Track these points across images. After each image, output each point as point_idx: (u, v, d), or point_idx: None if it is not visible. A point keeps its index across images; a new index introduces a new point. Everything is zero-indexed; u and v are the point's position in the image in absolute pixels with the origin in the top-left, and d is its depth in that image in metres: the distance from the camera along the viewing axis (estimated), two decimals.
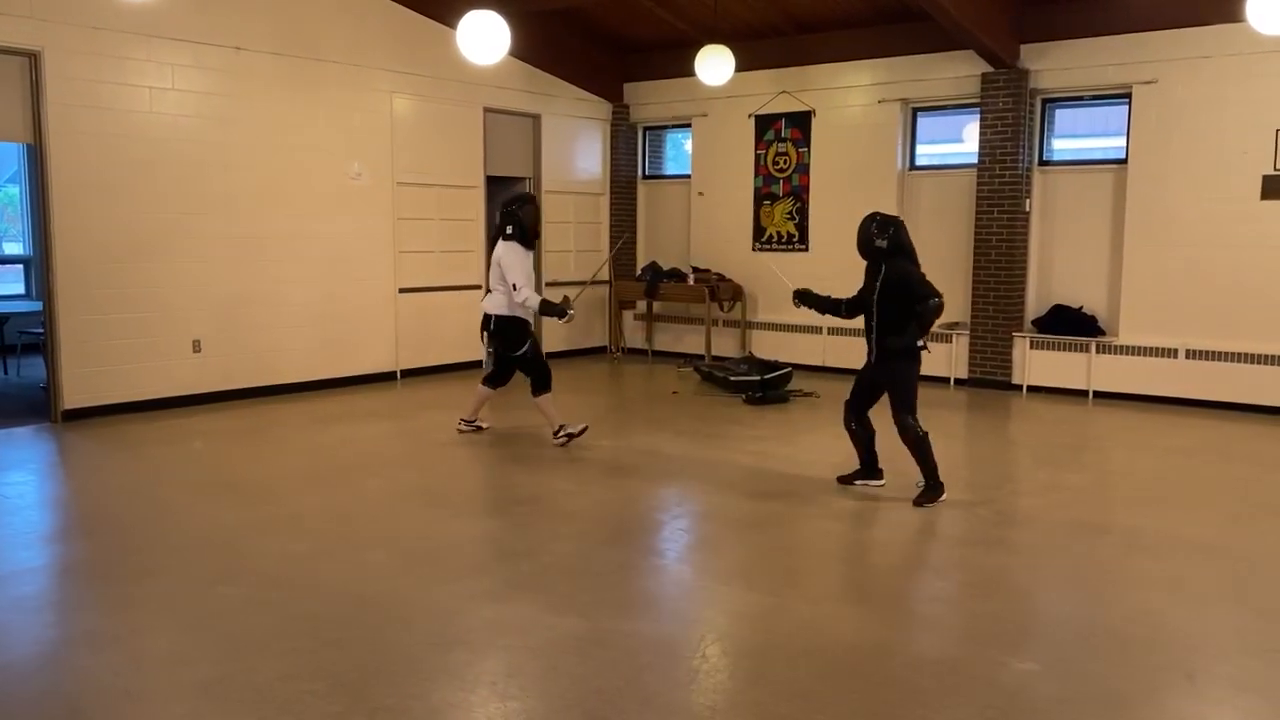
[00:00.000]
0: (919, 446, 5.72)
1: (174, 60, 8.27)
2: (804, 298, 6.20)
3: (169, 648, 3.83)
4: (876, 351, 5.80)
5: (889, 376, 5.78)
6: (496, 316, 7.15)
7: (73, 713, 3.35)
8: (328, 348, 9.52)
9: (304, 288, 9.28)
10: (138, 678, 3.58)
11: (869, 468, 6.11)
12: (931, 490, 5.75)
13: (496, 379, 7.47)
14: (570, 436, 7.20)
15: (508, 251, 7.06)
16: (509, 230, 7.10)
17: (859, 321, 6.07)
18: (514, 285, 6.96)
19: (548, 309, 7.07)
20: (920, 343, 5.71)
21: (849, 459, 6.40)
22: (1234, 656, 3.85)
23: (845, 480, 6.17)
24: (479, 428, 7.66)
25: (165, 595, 4.37)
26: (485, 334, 7.31)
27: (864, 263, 5.90)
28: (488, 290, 7.29)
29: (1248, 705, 3.48)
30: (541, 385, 7.24)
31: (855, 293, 6.02)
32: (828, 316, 6.31)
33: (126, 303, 8.13)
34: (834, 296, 6.16)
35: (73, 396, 7.90)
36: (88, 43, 7.79)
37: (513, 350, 7.22)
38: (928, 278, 5.70)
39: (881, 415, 5.90)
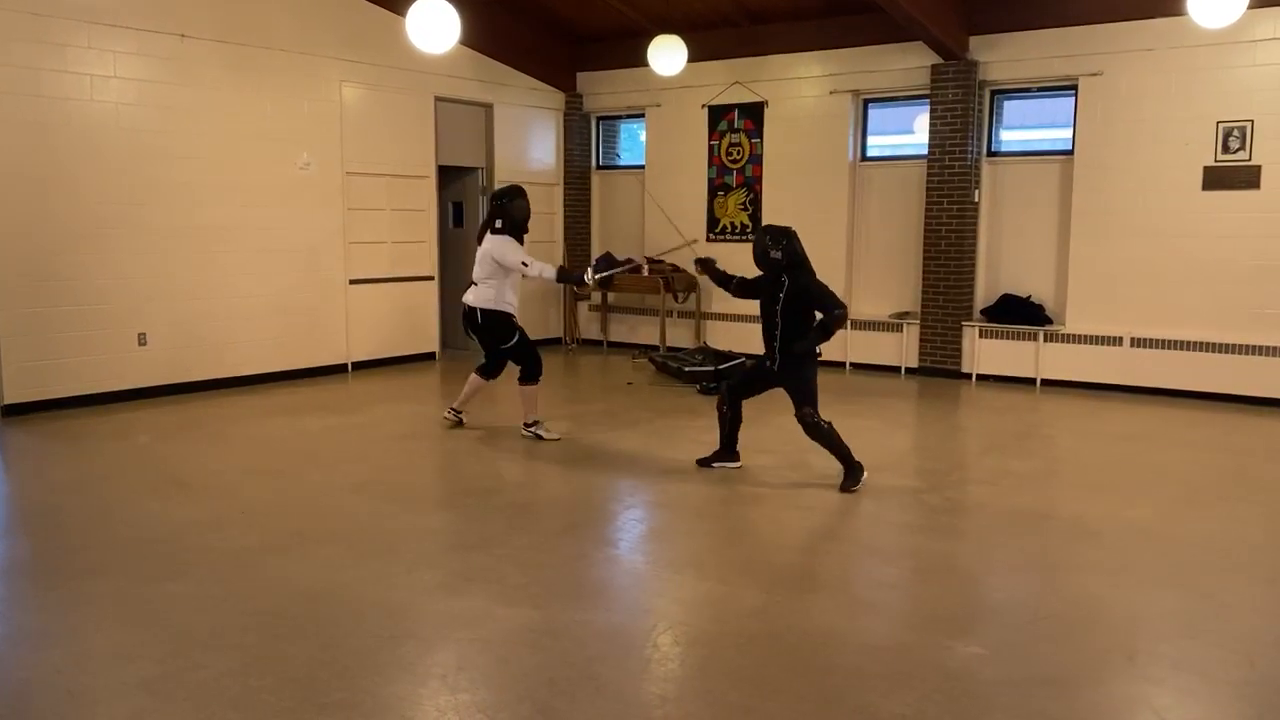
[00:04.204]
0: (827, 438, 5.90)
1: (116, 47, 8.11)
2: (705, 265, 6.48)
3: (113, 645, 3.77)
4: (780, 358, 5.97)
5: (792, 378, 5.96)
6: (481, 310, 7.05)
7: (14, 712, 3.29)
8: (276, 340, 9.40)
9: (252, 279, 9.16)
10: (81, 676, 3.52)
11: (728, 450, 6.35)
12: (851, 474, 5.90)
13: (490, 370, 7.36)
14: (539, 437, 7.13)
15: (499, 244, 6.94)
16: (498, 224, 7.01)
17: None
18: (523, 264, 6.90)
19: (565, 276, 7.08)
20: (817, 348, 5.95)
21: (798, 448, 6.45)
22: (1174, 638, 3.94)
23: (704, 462, 6.38)
24: (460, 420, 7.52)
25: (109, 593, 4.30)
26: (468, 328, 7.22)
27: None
28: (471, 283, 7.16)
29: (1186, 684, 3.56)
30: (530, 375, 7.17)
31: (748, 279, 6.25)
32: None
33: (69, 295, 7.97)
34: (728, 272, 6.42)
35: (14, 390, 7.73)
36: (26, 29, 7.61)
37: (502, 342, 7.15)
38: (829, 286, 5.96)
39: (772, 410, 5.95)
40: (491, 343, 7.19)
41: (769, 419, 6.97)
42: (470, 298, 7.12)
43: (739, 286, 6.30)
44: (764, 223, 10.81)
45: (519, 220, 7.05)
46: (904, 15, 8.78)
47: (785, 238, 5.90)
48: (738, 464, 6.34)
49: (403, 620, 4.01)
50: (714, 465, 6.35)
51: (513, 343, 7.14)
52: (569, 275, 7.08)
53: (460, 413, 7.51)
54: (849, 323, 10.10)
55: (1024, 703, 3.37)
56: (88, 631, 3.90)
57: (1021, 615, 4.16)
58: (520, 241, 7.07)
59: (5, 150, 7.56)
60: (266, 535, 5.07)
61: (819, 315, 5.88)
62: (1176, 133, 8.69)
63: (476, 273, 7.08)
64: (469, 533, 5.23)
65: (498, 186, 8.74)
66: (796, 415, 5.93)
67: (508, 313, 7.07)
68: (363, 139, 9.96)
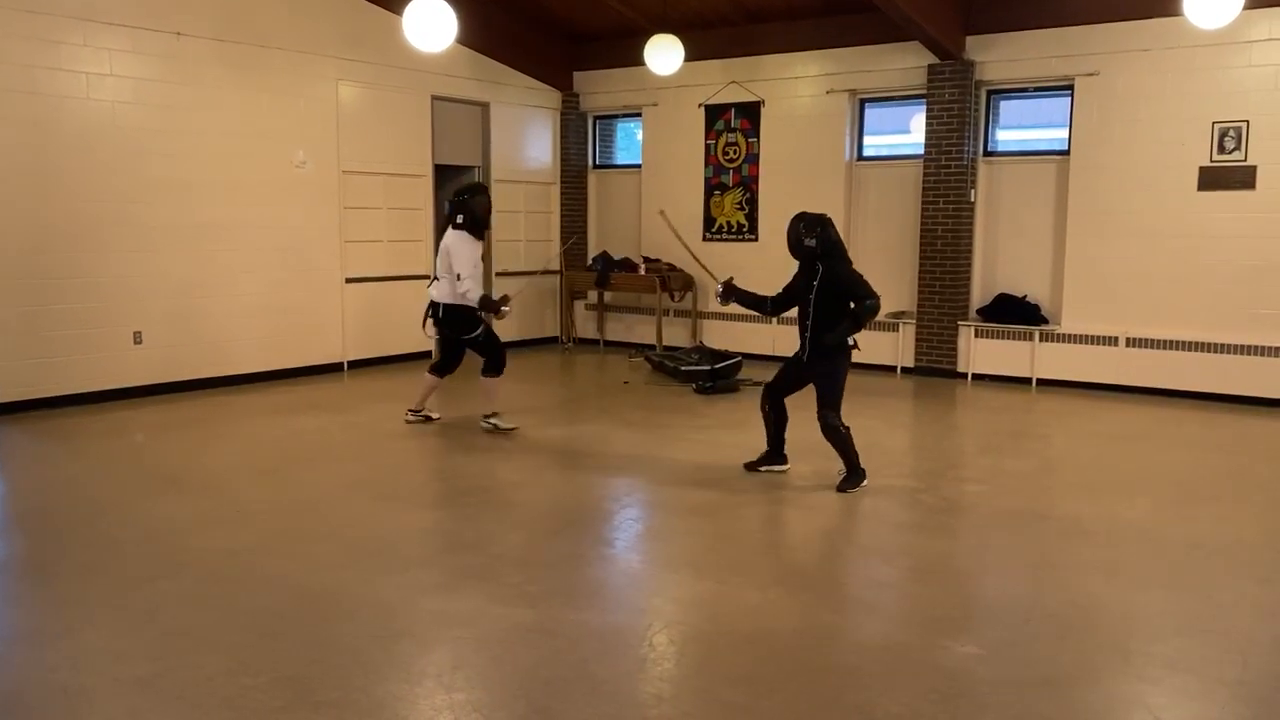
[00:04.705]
0: (842, 442, 5.88)
1: (112, 45, 8.09)
2: (728, 292, 6.26)
3: (107, 644, 3.76)
4: (811, 348, 5.90)
5: (822, 371, 5.90)
6: (445, 305, 7.15)
7: (8, 711, 3.28)
8: (272, 339, 9.38)
9: (248, 278, 9.14)
10: (75, 674, 3.51)
11: (775, 453, 6.25)
12: (853, 477, 5.89)
13: (444, 367, 7.46)
14: (496, 428, 7.24)
15: (457, 241, 7.05)
16: (459, 220, 7.08)
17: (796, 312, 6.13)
18: (458, 275, 6.97)
19: (485, 305, 7.14)
20: (852, 340, 5.87)
21: (795, 447, 6.44)
22: (1169, 637, 3.94)
23: (751, 466, 6.28)
24: (428, 418, 7.61)
25: (104, 592, 4.29)
26: (431, 321, 7.31)
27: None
28: (434, 278, 7.26)
29: (1181, 684, 3.56)
30: (493, 368, 7.27)
31: (780, 290, 6.13)
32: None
33: (64, 293, 7.95)
34: (759, 294, 6.27)
35: (8, 389, 7.71)
36: (21, 26, 7.59)
37: (466, 334, 7.21)
38: (864, 276, 5.87)
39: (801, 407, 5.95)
40: (455, 336, 7.26)
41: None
42: (434, 292, 7.23)
43: (774, 303, 6.15)
44: (761, 221, 10.84)
45: (480, 216, 7.12)
46: (901, 15, 8.78)
47: (820, 225, 5.82)
48: (784, 467, 6.21)
49: (397, 619, 4.01)
50: (761, 469, 6.23)
51: (476, 334, 7.20)
52: (489, 304, 7.12)
53: (420, 411, 7.60)
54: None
55: (1019, 702, 3.37)
56: (82, 630, 3.89)
57: (1017, 615, 4.16)
58: (480, 237, 7.16)
59: (0, 148, 7.54)
60: (261, 534, 5.06)
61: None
62: (1172, 133, 8.70)
63: (438, 268, 7.19)
64: (464, 532, 5.22)
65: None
66: (818, 415, 5.87)
67: (471, 306, 7.15)
68: (359, 138, 9.94)
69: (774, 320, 10.39)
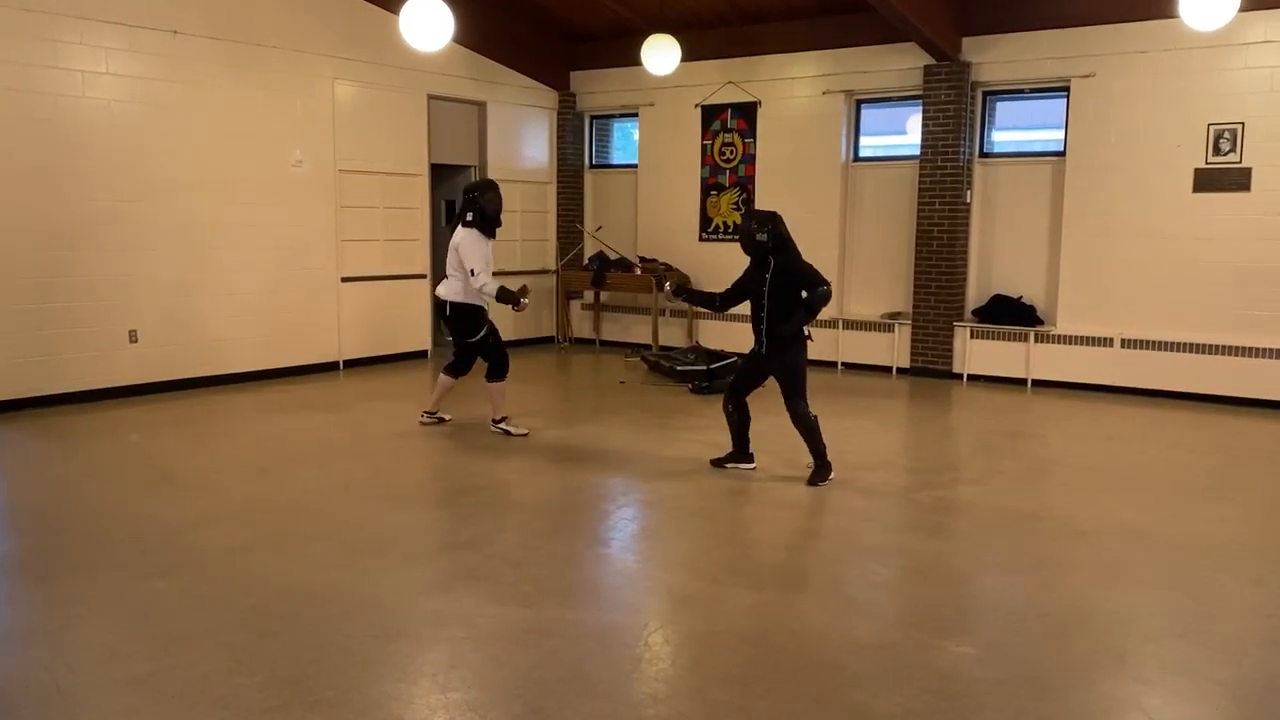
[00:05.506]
0: (810, 430, 5.97)
1: (108, 44, 8.08)
2: (678, 292, 6.48)
3: (102, 643, 3.76)
4: (768, 341, 5.99)
5: (781, 364, 5.99)
6: (451, 303, 7.10)
7: (1, 710, 3.27)
8: (268, 338, 9.38)
9: (244, 277, 9.13)
10: (70, 673, 3.51)
11: (741, 450, 6.34)
12: (821, 470, 5.97)
13: (458, 367, 7.38)
14: (507, 433, 7.19)
15: (466, 238, 6.99)
16: (469, 217, 7.04)
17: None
18: (471, 271, 6.92)
19: (504, 296, 7.03)
20: (806, 331, 5.98)
21: (792, 447, 6.45)
22: (1164, 638, 3.95)
23: (718, 463, 6.38)
24: (441, 420, 7.54)
25: (99, 590, 4.29)
26: (443, 320, 7.28)
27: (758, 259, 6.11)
28: (444, 276, 7.19)
29: (1175, 684, 3.57)
30: (497, 372, 7.22)
31: (729, 287, 6.24)
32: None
33: (59, 292, 7.95)
34: (707, 291, 6.41)
35: (3, 387, 7.69)
36: (17, 24, 7.58)
37: (469, 336, 7.18)
38: (814, 266, 5.97)
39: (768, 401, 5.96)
40: (458, 337, 7.24)
41: (760, 416, 6.97)
42: (442, 290, 7.19)
43: (724, 299, 6.29)
44: None
45: (490, 214, 7.08)
46: (897, 16, 8.79)
47: (771, 221, 5.96)
48: (752, 465, 6.30)
49: (393, 618, 4.01)
50: (726, 465, 6.33)
51: (479, 337, 7.17)
52: (507, 297, 7.02)
53: (435, 413, 7.53)
54: (840, 322, 10.24)
55: (1014, 702, 3.38)
56: (76, 629, 3.89)
57: (1011, 615, 4.17)
58: (492, 235, 7.12)
59: None
60: (256, 533, 5.06)
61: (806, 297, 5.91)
62: (1168, 134, 8.72)
63: (448, 266, 7.14)
64: (460, 531, 5.22)
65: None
66: (787, 406, 5.96)
67: (476, 305, 7.12)
68: (356, 137, 9.94)
69: None
